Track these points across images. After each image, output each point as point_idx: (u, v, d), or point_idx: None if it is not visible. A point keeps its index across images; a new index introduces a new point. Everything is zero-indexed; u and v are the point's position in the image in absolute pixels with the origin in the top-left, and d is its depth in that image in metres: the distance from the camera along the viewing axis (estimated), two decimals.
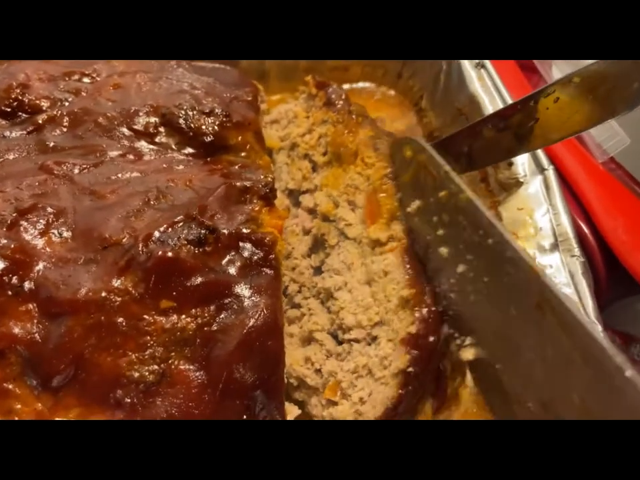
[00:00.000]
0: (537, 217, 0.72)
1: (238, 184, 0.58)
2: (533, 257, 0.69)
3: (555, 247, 0.69)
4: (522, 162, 0.76)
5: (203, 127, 0.64)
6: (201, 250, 0.53)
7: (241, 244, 0.55)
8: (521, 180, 0.75)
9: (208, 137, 0.64)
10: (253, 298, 0.53)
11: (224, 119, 0.65)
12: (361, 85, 1.01)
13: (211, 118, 0.65)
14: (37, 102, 0.63)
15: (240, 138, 0.66)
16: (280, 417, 0.53)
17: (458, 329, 0.56)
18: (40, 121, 0.61)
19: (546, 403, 0.45)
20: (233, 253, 0.54)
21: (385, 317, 0.59)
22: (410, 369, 0.55)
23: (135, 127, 0.63)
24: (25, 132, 0.61)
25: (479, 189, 0.81)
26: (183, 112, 0.65)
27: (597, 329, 0.36)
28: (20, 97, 0.63)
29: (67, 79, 0.66)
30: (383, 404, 0.55)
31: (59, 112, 0.62)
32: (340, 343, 0.62)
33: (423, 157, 0.60)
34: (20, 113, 0.63)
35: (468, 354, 0.54)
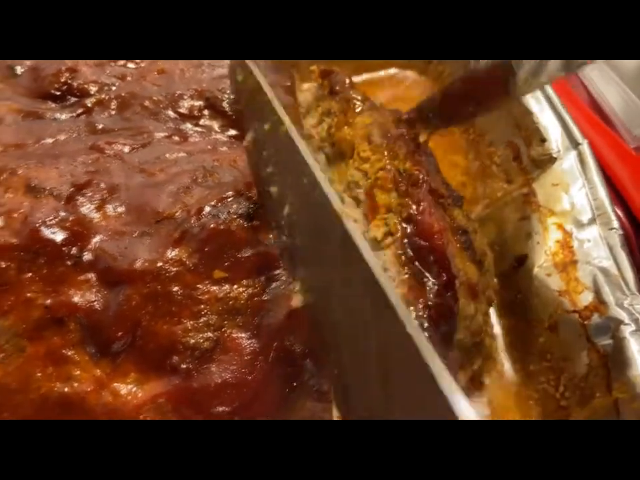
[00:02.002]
0: (572, 192, 0.72)
1: None
2: (568, 232, 0.70)
3: (592, 220, 0.70)
4: (555, 138, 0.77)
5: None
6: (250, 224, 0.55)
7: None
8: (555, 156, 0.76)
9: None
10: None
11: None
12: (392, 71, 1.02)
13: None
14: (85, 86, 0.65)
15: None
16: (327, 388, 0.54)
17: (291, 273, 0.53)
18: (89, 104, 0.63)
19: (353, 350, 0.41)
20: None
21: None
22: None
23: (180, 110, 0.65)
24: (74, 114, 0.63)
25: (512, 167, 0.81)
26: (226, 95, 0.67)
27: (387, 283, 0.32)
28: (69, 81, 0.65)
29: (112, 64, 0.68)
30: None
31: (107, 96, 0.64)
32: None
33: (252, 82, 0.55)
34: (69, 97, 0.65)
35: (297, 301, 0.50)
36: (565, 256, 0.69)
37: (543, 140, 0.77)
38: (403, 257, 0.56)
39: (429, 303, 0.53)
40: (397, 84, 1.01)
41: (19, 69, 0.67)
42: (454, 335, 0.56)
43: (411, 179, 0.60)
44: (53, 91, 0.64)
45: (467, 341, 0.58)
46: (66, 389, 0.49)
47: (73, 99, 0.64)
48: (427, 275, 0.55)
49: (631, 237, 0.78)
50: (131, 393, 0.49)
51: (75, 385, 0.49)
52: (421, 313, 0.52)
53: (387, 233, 0.58)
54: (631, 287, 0.63)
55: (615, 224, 0.69)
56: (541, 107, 0.79)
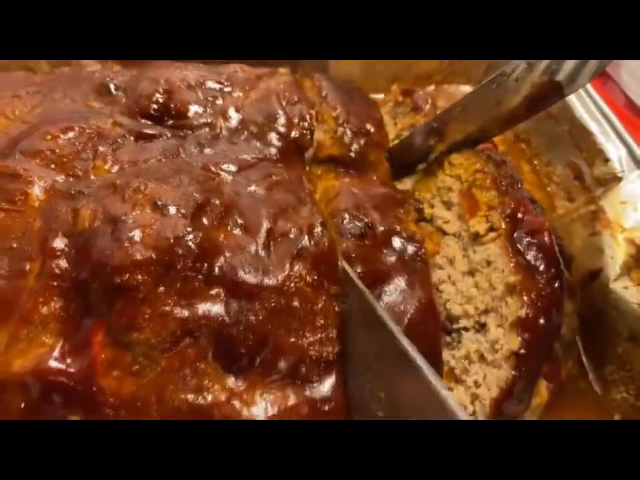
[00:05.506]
0: None
1: (398, 196, 0.63)
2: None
3: None
4: (618, 157, 0.79)
5: (353, 146, 0.69)
6: (361, 242, 0.58)
7: (395, 239, 0.59)
8: (619, 175, 0.79)
9: (354, 154, 0.69)
10: (409, 285, 0.57)
11: (367, 139, 0.70)
12: (451, 87, 1.06)
13: (359, 137, 0.69)
14: (182, 107, 0.66)
15: (374, 156, 0.71)
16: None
17: None
18: (195, 124, 0.65)
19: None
20: (388, 247, 0.58)
21: (491, 304, 0.61)
22: (522, 351, 0.58)
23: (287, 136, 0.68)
24: (181, 134, 0.64)
25: (574, 186, 0.84)
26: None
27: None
28: (166, 102, 0.66)
29: (203, 86, 0.69)
30: (498, 386, 0.58)
31: (210, 118, 0.66)
32: (449, 333, 0.64)
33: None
34: (166, 117, 0.66)
35: None
36: (639, 269, 0.71)
37: (607, 160, 0.80)
38: (511, 250, 0.60)
39: (542, 292, 0.57)
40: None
41: (113, 89, 0.68)
42: (561, 327, 0.59)
43: (509, 179, 0.64)
44: (151, 112, 0.66)
45: (568, 337, 0.61)
46: (199, 401, 0.50)
47: (171, 120, 0.66)
48: (538, 267, 0.58)
49: None
50: (265, 404, 0.50)
51: (208, 396, 0.50)
52: (535, 301, 0.56)
53: (489, 229, 0.63)
54: None
55: None
56: (601, 129, 0.82)
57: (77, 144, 0.60)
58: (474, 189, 0.66)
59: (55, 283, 0.51)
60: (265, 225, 0.56)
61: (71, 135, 0.60)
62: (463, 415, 0.37)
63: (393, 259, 0.58)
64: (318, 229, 0.56)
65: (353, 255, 0.57)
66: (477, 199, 0.65)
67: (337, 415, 0.50)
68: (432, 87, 1.04)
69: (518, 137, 0.97)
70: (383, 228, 0.60)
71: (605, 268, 0.74)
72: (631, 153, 0.79)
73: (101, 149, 0.60)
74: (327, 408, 0.50)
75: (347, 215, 0.59)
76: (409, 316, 0.55)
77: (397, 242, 0.60)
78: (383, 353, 0.48)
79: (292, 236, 0.55)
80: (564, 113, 0.87)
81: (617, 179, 0.79)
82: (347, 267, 0.56)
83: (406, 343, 0.46)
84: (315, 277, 0.53)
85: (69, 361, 0.49)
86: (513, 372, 0.58)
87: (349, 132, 0.70)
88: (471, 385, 0.60)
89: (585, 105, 0.85)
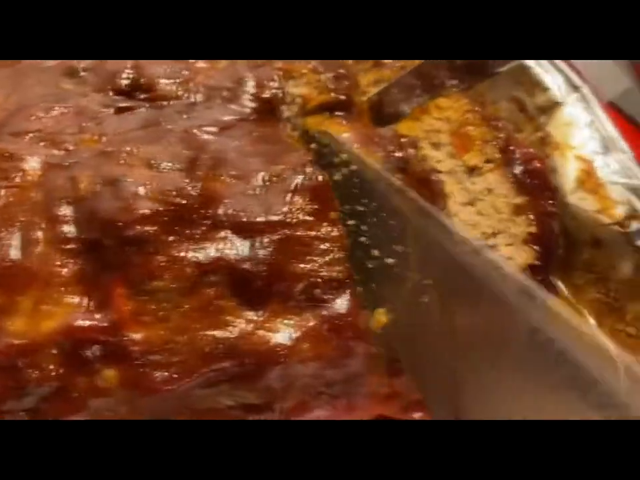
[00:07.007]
0: (584, 127, 0.82)
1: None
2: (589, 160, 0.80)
3: (606, 148, 0.80)
4: (557, 85, 0.87)
5: (339, 89, 0.73)
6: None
7: None
8: (560, 101, 0.86)
9: (343, 96, 0.73)
10: None
11: (347, 81, 0.74)
12: None
13: (341, 80, 0.74)
14: (152, 81, 0.68)
15: (357, 97, 0.76)
16: None
17: None
18: (170, 95, 0.67)
19: None
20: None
21: (498, 226, 0.67)
22: (537, 263, 0.64)
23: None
24: (158, 106, 0.66)
25: (520, 118, 0.91)
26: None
27: None
28: (136, 77, 0.68)
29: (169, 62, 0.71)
30: None
31: (181, 88, 0.68)
32: None
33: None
34: (137, 92, 0.68)
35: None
36: (592, 181, 0.78)
37: (546, 89, 0.87)
38: (511, 176, 0.67)
39: (546, 210, 0.67)
40: None
41: (81, 71, 0.70)
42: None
43: (494, 116, 0.70)
44: (123, 87, 0.68)
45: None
46: (226, 335, 0.53)
47: (143, 94, 0.68)
48: (536, 190, 0.67)
49: None
50: (288, 329, 0.54)
51: (234, 330, 0.53)
52: (541, 218, 0.65)
53: (485, 161, 0.70)
54: None
55: (626, 149, 0.79)
56: (536, 61, 0.89)
57: (60, 121, 0.62)
58: (466, 127, 0.72)
59: (68, 247, 0.53)
60: (258, 171, 0.59)
61: (53, 113, 0.62)
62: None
63: (427, 193, 0.63)
64: (309, 167, 0.59)
65: None
66: (470, 135, 0.72)
67: (354, 327, 0.55)
68: None
69: None
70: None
71: (560, 186, 0.81)
72: (567, 79, 0.87)
73: (84, 124, 0.62)
74: (344, 322, 0.54)
75: (382, 150, 0.64)
76: None
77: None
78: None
79: (285, 175, 0.58)
80: None
81: (558, 105, 0.86)
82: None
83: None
84: (315, 207, 0.57)
85: (96, 316, 0.52)
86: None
87: (330, 77, 0.73)
88: None
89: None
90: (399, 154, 0.64)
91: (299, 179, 0.58)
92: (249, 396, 0.55)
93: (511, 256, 0.65)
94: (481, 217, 0.68)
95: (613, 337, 0.76)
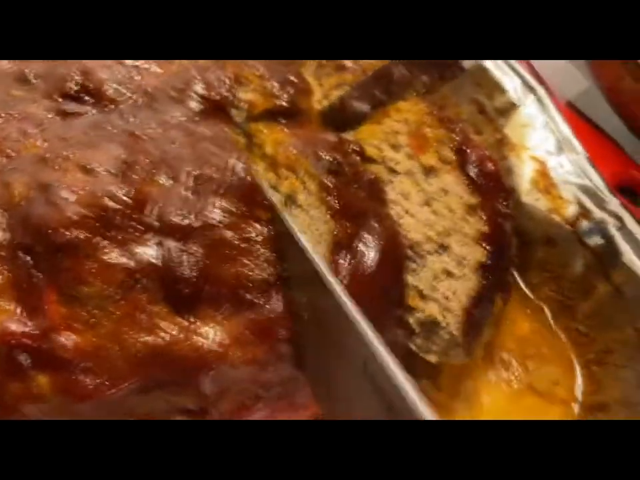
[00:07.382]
0: (539, 128, 0.83)
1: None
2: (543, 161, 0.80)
3: (560, 149, 0.80)
4: (514, 87, 0.87)
5: (283, 96, 0.73)
6: (335, 178, 0.64)
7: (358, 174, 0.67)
8: (517, 103, 0.86)
9: (287, 103, 0.74)
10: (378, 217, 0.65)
11: (294, 87, 0.75)
12: None
13: (286, 86, 0.74)
14: (100, 85, 0.69)
15: (305, 103, 0.76)
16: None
17: None
18: (117, 99, 0.67)
19: None
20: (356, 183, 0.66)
21: (452, 226, 0.68)
22: (488, 262, 0.65)
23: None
24: (105, 110, 0.67)
25: (479, 119, 0.91)
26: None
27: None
28: (84, 82, 0.69)
29: (120, 64, 0.72)
30: (468, 295, 0.65)
31: (129, 91, 0.68)
32: (413, 261, 0.68)
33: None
34: (85, 96, 0.68)
35: None
36: (545, 181, 0.79)
37: (504, 91, 0.87)
38: (465, 177, 0.69)
39: (499, 210, 0.69)
40: None
41: (32, 78, 0.70)
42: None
43: (451, 119, 0.75)
44: (71, 92, 0.68)
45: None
46: (158, 341, 0.53)
47: (92, 99, 0.68)
48: (490, 191, 0.70)
49: None
50: (216, 333, 0.54)
51: (166, 336, 0.53)
52: (494, 217, 0.67)
53: (442, 162, 0.71)
54: (605, 192, 0.74)
55: (579, 149, 0.80)
56: (495, 64, 0.89)
57: (5, 129, 0.62)
58: (424, 128, 0.73)
59: (1, 253, 0.54)
60: (191, 173, 0.59)
61: None
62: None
63: (362, 194, 0.64)
64: (239, 167, 0.60)
65: (335, 192, 0.62)
66: (427, 137, 0.72)
67: (283, 328, 0.55)
68: None
69: None
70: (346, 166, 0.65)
71: (516, 186, 0.81)
72: (523, 81, 0.87)
73: (29, 130, 0.62)
74: (273, 324, 0.55)
75: (313, 154, 0.64)
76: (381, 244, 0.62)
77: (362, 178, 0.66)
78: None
79: (215, 176, 0.59)
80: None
81: (515, 107, 0.86)
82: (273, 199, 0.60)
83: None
84: (244, 209, 0.58)
85: (28, 323, 0.52)
86: (482, 281, 0.66)
87: (276, 84, 0.73)
88: (441, 300, 0.65)
89: None
90: (336, 158, 0.64)
91: (228, 180, 0.59)
92: (184, 401, 0.56)
93: (465, 255, 0.66)
94: (436, 216, 0.69)
95: (566, 335, 0.77)
